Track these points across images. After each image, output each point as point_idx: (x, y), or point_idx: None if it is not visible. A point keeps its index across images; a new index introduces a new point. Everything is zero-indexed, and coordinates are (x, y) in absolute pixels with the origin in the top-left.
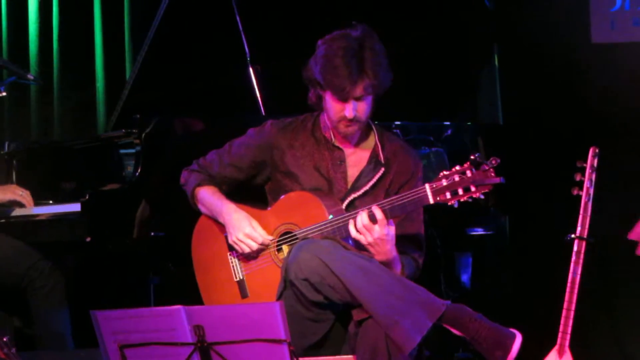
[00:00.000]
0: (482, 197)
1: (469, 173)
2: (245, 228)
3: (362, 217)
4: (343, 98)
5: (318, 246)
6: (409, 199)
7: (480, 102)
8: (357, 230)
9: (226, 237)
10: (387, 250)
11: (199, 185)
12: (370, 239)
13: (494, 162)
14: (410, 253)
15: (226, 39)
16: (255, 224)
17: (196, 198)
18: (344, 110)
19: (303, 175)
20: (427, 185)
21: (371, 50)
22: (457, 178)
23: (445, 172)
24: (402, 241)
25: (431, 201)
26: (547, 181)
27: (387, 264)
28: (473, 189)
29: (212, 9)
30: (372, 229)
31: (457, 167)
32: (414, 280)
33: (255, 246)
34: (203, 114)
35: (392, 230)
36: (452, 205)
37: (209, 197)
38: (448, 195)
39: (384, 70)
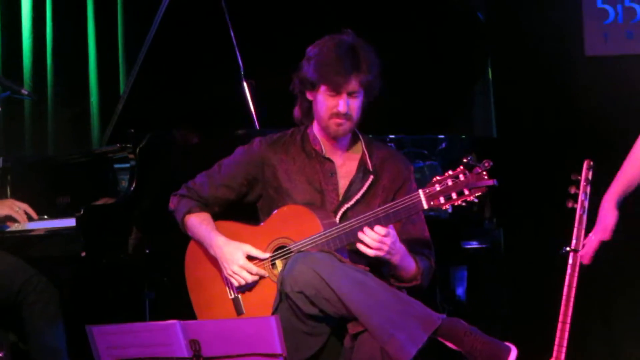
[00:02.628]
0: (476, 200)
1: (462, 177)
2: (239, 260)
3: (371, 234)
4: (337, 90)
5: (314, 259)
6: (403, 206)
7: (474, 115)
8: (375, 248)
9: None
10: (398, 247)
11: (189, 212)
12: (386, 247)
13: (486, 164)
14: (422, 252)
15: (220, 54)
16: (248, 248)
17: (186, 226)
18: (337, 105)
19: (296, 190)
20: (420, 191)
21: (363, 49)
22: (450, 182)
23: (438, 177)
24: (410, 244)
25: (425, 207)
26: (541, 194)
27: (403, 261)
28: (467, 192)
29: (206, 23)
30: (384, 238)
31: (450, 172)
32: (430, 278)
33: (249, 278)
34: (197, 128)
35: (392, 229)
36: (446, 218)
37: (197, 227)
38: (442, 200)
39: (376, 69)
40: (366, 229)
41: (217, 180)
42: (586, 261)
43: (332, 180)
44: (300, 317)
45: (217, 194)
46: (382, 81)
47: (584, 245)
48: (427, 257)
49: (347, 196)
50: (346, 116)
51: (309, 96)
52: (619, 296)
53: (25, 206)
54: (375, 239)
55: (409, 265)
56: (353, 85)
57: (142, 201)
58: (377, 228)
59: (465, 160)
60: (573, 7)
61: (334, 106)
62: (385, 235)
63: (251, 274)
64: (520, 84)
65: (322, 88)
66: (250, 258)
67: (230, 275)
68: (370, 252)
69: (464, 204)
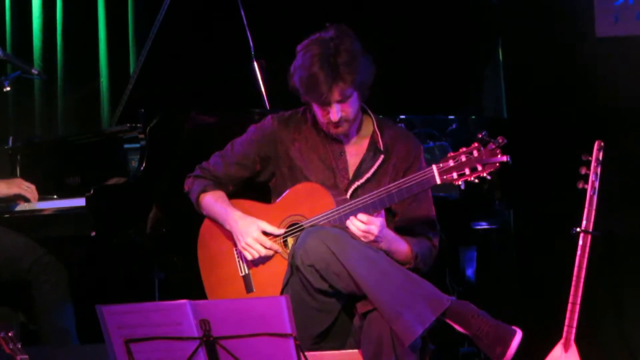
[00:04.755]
0: (489, 177)
1: (475, 153)
2: (253, 232)
3: (356, 223)
4: (323, 104)
5: (326, 233)
6: (416, 181)
7: (485, 96)
8: (360, 236)
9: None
10: (385, 234)
11: (203, 191)
12: (371, 237)
13: (500, 140)
14: (424, 233)
15: (230, 34)
16: (263, 224)
17: (201, 206)
18: (328, 114)
19: (309, 168)
20: (434, 166)
21: (346, 51)
22: (464, 158)
23: (452, 153)
24: (414, 224)
25: (438, 181)
26: (552, 175)
27: (392, 246)
28: (480, 168)
29: (216, 3)
30: (368, 226)
31: (464, 148)
32: (432, 259)
33: (263, 251)
34: (207, 108)
35: (380, 217)
36: (456, 199)
37: (213, 204)
38: (455, 175)
39: (362, 69)
40: (352, 218)
41: (230, 159)
42: None
43: (341, 159)
44: (310, 292)
45: (231, 172)
46: (373, 68)
47: None
48: (428, 238)
49: (358, 174)
50: (341, 121)
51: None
52: (629, 277)
53: (32, 187)
54: (359, 228)
55: (399, 249)
56: (338, 94)
57: (152, 181)
58: (360, 216)
59: (480, 136)
60: None
61: (326, 115)
62: (367, 223)
63: (264, 247)
64: (531, 65)
65: (312, 102)
66: (264, 234)
67: (243, 247)
68: (363, 239)
69: (476, 180)
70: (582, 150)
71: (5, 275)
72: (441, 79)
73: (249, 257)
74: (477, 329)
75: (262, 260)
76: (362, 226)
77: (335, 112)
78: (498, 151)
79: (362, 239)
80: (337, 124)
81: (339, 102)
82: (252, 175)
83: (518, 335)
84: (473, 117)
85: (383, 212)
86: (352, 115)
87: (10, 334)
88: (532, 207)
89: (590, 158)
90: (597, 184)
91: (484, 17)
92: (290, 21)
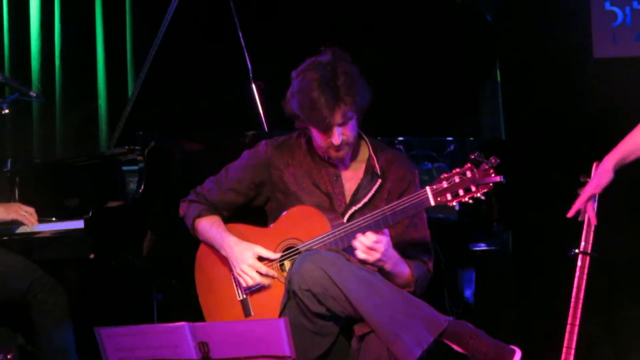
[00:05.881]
0: (483, 197)
1: (469, 174)
2: (248, 259)
3: (363, 240)
4: (325, 129)
5: (321, 257)
6: (410, 203)
7: (483, 117)
8: (365, 253)
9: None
10: (391, 254)
11: (199, 216)
12: (377, 255)
13: (493, 161)
14: (419, 257)
15: (228, 55)
16: (258, 249)
17: (196, 230)
18: (330, 138)
19: (304, 193)
20: (427, 188)
21: (344, 74)
22: (457, 179)
23: (445, 175)
24: (410, 247)
25: (432, 203)
26: (550, 196)
27: (396, 268)
28: (474, 188)
29: (214, 25)
30: (375, 244)
31: (458, 169)
32: (426, 283)
33: (258, 278)
34: (205, 130)
35: (386, 235)
36: (455, 220)
37: (208, 230)
38: (449, 196)
39: (360, 91)
40: (359, 236)
41: (224, 185)
42: (570, 215)
43: (337, 184)
44: (307, 316)
45: (225, 198)
46: (369, 91)
47: (576, 201)
48: (424, 262)
49: (355, 199)
50: (342, 145)
51: (303, 124)
52: (627, 299)
53: (31, 210)
54: (365, 245)
55: (402, 272)
56: (340, 117)
57: (150, 203)
58: (368, 234)
59: (472, 157)
60: (581, 9)
61: (327, 139)
62: (376, 242)
63: (260, 273)
64: (529, 86)
65: (312, 127)
66: (260, 259)
67: (239, 274)
68: (361, 256)
69: (470, 200)
70: (580, 172)
71: (4, 296)
72: (439, 100)
73: (244, 284)
74: (475, 349)
75: (259, 285)
76: (369, 243)
77: (337, 136)
78: (491, 171)
79: (367, 257)
80: (338, 148)
81: (340, 125)
82: (247, 201)
83: (517, 355)
84: (471, 138)
85: (387, 231)
86: (352, 138)
87: (9, 356)
88: (531, 229)
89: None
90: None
91: (481, 38)
92: (287, 43)
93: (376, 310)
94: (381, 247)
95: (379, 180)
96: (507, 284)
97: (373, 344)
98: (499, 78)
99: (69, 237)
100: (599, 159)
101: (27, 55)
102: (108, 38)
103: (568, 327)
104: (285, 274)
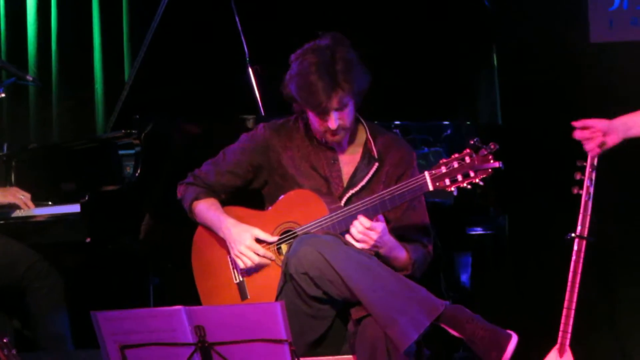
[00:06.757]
0: (482, 183)
1: (467, 159)
2: (246, 240)
3: (357, 226)
4: (322, 113)
5: (319, 240)
6: (408, 188)
7: (480, 102)
8: (359, 240)
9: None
10: (387, 240)
11: (196, 199)
12: (372, 242)
13: (492, 146)
14: (419, 240)
15: (225, 40)
16: (256, 232)
17: (194, 213)
18: (326, 122)
19: (301, 177)
20: (426, 173)
21: (343, 60)
22: (456, 165)
23: (444, 160)
24: (409, 230)
25: (430, 188)
26: (546, 180)
27: (392, 252)
28: (472, 174)
29: (211, 9)
30: (368, 231)
31: (456, 155)
32: (426, 266)
33: (256, 259)
34: (202, 114)
35: (381, 222)
36: (452, 204)
37: (206, 212)
38: (447, 181)
39: (358, 77)
40: (354, 222)
41: (222, 167)
42: (577, 124)
43: (335, 167)
44: (304, 299)
45: (223, 180)
46: (367, 76)
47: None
48: (423, 245)
49: (352, 182)
50: (338, 129)
51: (300, 107)
52: (623, 283)
53: (28, 195)
54: (359, 231)
55: (399, 256)
56: (337, 103)
57: (147, 187)
58: (362, 219)
59: (471, 142)
60: None
61: (324, 123)
62: (369, 229)
63: (257, 255)
64: (526, 70)
65: (309, 110)
66: (258, 242)
67: (236, 255)
68: (356, 245)
69: (469, 186)
70: (576, 156)
71: (0, 281)
72: (436, 84)
73: (242, 266)
74: (472, 333)
75: (256, 267)
76: (362, 229)
77: (334, 120)
78: (490, 157)
79: (361, 243)
80: (334, 132)
81: (337, 110)
82: (245, 184)
83: (514, 340)
84: (468, 123)
85: (383, 217)
86: (349, 123)
87: (5, 340)
88: (527, 213)
89: (585, 164)
90: (592, 190)
91: (478, 22)
92: (285, 28)
93: (373, 294)
94: (374, 234)
95: (376, 164)
96: (503, 268)
97: (370, 328)
98: (495, 62)
99: (65, 220)
100: None
101: (23, 40)
102: (104, 21)
103: (564, 311)
104: (282, 257)
